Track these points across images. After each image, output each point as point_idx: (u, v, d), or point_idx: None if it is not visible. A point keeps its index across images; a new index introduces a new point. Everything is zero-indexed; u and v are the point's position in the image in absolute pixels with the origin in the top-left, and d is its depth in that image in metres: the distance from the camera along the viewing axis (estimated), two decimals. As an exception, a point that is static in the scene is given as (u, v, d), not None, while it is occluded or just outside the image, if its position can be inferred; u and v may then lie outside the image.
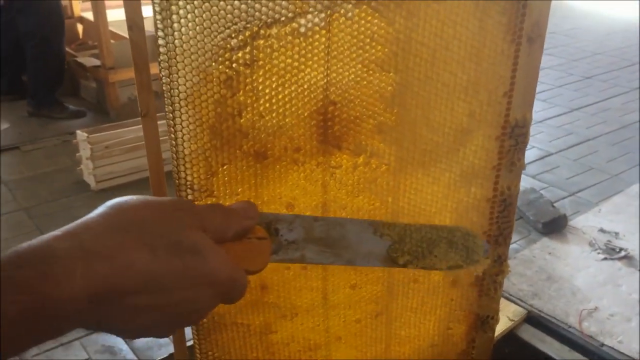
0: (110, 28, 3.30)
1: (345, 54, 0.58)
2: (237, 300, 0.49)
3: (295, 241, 0.54)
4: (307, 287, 0.70)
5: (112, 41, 3.30)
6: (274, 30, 0.54)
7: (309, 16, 0.55)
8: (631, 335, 1.77)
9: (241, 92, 0.55)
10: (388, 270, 0.73)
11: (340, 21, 0.56)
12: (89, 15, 3.68)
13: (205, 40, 0.51)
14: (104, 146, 2.57)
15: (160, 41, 0.50)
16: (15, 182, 2.74)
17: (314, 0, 0.54)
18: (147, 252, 0.42)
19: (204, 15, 0.50)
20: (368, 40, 0.58)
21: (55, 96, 3.42)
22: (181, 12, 0.50)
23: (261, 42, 0.54)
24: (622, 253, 2.17)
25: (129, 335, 0.45)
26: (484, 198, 0.73)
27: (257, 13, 0.52)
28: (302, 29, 0.55)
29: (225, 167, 0.57)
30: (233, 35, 0.52)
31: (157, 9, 0.49)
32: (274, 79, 0.56)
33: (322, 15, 0.55)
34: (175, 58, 0.51)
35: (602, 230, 2.31)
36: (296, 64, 0.56)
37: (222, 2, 0.50)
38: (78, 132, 2.61)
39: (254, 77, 0.55)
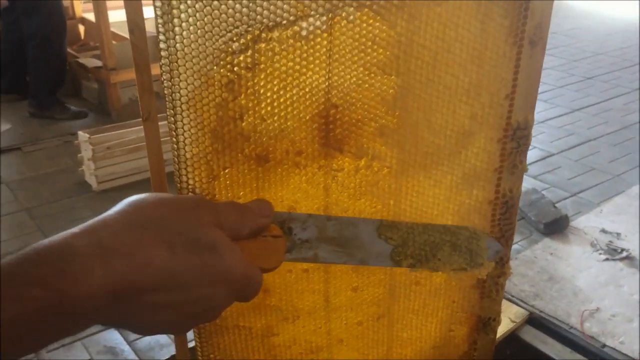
0: (112, 29, 3.30)
1: (346, 57, 0.58)
2: (252, 298, 0.49)
3: (308, 240, 0.55)
4: (309, 290, 0.70)
5: (113, 42, 3.30)
6: (275, 34, 0.54)
7: (311, 19, 0.54)
8: (633, 336, 1.77)
9: (243, 96, 0.55)
10: (390, 273, 0.73)
11: (342, 24, 0.56)
12: (91, 16, 3.68)
13: (207, 43, 0.51)
14: (105, 147, 2.57)
15: (162, 45, 0.50)
16: (17, 182, 2.75)
17: (315, 4, 0.54)
18: (165, 249, 0.42)
19: (205, 19, 0.50)
20: (370, 43, 0.58)
21: (56, 97, 3.42)
22: (183, 15, 0.50)
23: (263, 45, 0.54)
24: (624, 254, 2.16)
25: (145, 332, 0.45)
26: (486, 200, 0.73)
27: (258, 16, 0.52)
28: (304, 32, 0.55)
29: (226, 170, 0.57)
30: (234, 39, 0.52)
31: (159, 12, 0.49)
32: (275, 82, 0.56)
33: (324, 18, 0.55)
34: (176, 62, 0.51)
35: (603, 231, 2.31)
36: (298, 67, 0.56)
37: (223, 6, 0.50)
38: (80, 132, 2.61)
39: (255, 81, 0.55)
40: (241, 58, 0.53)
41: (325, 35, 0.56)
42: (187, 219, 0.44)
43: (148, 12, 0.59)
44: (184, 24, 0.50)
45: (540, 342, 1.14)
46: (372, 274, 0.72)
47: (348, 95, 0.59)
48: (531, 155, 2.90)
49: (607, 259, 2.15)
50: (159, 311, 0.43)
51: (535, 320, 1.19)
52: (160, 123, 0.70)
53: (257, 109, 0.56)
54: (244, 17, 0.52)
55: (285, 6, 0.53)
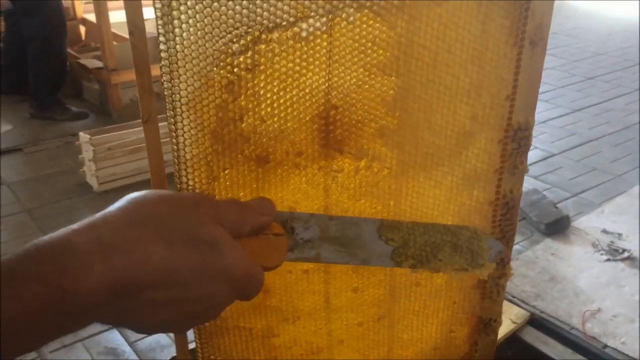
0: (113, 30, 3.30)
1: (346, 58, 0.58)
2: (253, 296, 0.48)
3: (311, 240, 0.54)
4: (309, 291, 0.70)
5: (114, 43, 3.31)
6: (275, 35, 0.54)
7: (311, 20, 0.54)
8: (634, 336, 1.77)
9: (243, 97, 0.55)
10: (390, 274, 0.73)
11: (342, 25, 0.56)
12: (92, 17, 3.69)
13: (207, 45, 0.51)
14: (106, 148, 2.57)
15: (162, 46, 0.50)
16: (18, 183, 2.75)
17: (315, 5, 0.54)
18: (164, 246, 0.42)
19: (205, 20, 0.50)
20: (370, 44, 0.58)
21: (57, 98, 3.42)
22: (183, 17, 0.50)
23: (263, 46, 0.54)
24: (625, 254, 2.16)
25: (146, 330, 0.45)
26: (487, 201, 0.73)
27: (258, 18, 0.52)
28: (304, 33, 0.55)
29: (226, 171, 0.57)
30: (234, 40, 0.52)
31: (159, 14, 0.49)
32: (275, 84, 0.56)
33: (324, 19, 0.55)
34: (176, 63, 0.51)
35: (605, 231, 2.31)
36: (298, 68, 0.56)
37: (223, 7, 0.50)
38: (81, 133, 2.61)
39: (255, 82, 0.55)
40: (241, 59, 0.53)
41: (325, 36, 0.56)
42: (187, 216, 0.44)
43: (148, 13, 0.59)
44: (184, 25, 0.50)
45: (542, 343, 1.14)
46: (372, 274, 0.72)
47: (348, 97, 0.59)
48: (532, 155, 2.89)
49: (608, 260, 2.15)
50: (159, 309, 0.43)
51: (536, 321, 1.19)
52: (160, 124, 0.70)
53: (257, 110, 0.56)
54: (244, 19, 0.52)
55: (285, 7, 0.53)
